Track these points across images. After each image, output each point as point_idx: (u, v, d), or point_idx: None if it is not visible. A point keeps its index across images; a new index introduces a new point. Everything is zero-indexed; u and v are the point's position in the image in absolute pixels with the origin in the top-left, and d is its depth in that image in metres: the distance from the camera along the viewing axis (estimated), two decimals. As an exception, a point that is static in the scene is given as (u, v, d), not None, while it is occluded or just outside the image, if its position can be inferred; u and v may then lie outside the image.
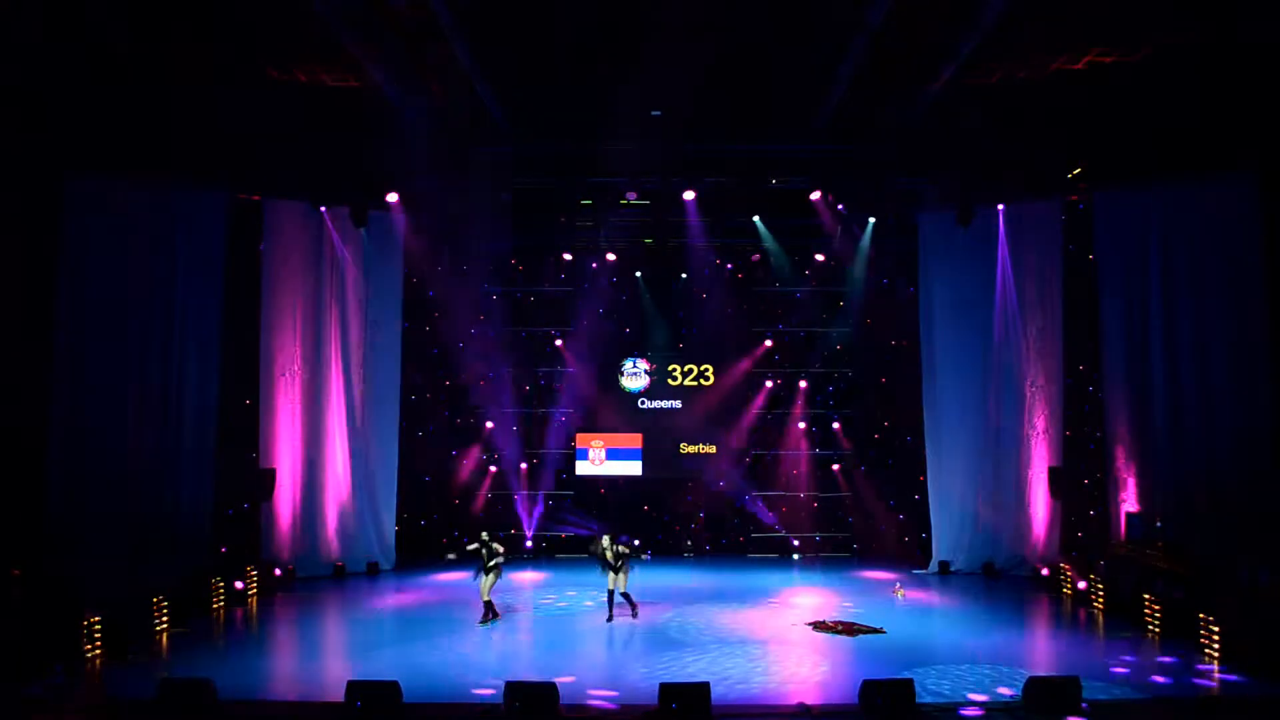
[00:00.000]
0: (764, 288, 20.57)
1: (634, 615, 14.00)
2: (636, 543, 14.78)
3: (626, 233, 19.61)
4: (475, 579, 13.88)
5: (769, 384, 20.55)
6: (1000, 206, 17.60)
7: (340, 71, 14.51)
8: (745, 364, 20.51)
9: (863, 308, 20.11)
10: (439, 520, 20.14)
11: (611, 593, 13.91)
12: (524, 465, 20.43)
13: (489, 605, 13.80)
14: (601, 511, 20.21)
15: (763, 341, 20.55)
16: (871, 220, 18.64)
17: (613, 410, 20.51)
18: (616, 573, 13.85)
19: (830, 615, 14.23)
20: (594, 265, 20.26)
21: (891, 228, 18.75)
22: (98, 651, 11.69)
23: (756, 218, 18.98)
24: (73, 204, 15.13)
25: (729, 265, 20.37)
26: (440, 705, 9.92)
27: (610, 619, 13.83)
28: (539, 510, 20.25)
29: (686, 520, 20.51)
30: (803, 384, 20.49)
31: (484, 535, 14.00)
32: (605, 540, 13.91)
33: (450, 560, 18.47)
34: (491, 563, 13.71)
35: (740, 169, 17.35)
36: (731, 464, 20.35)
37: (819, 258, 20.05)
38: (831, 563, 19.40)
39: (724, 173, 17.40)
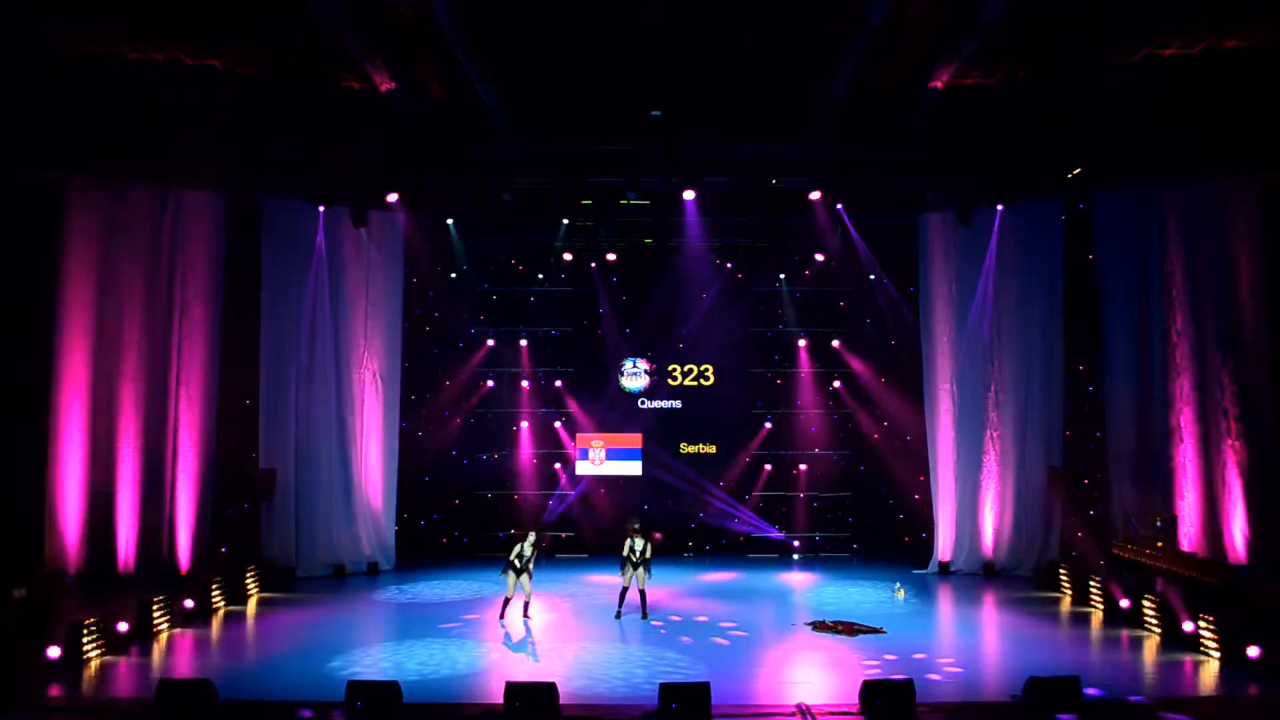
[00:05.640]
0: (764, 288, 20.57)
1: (643, 616, 14.05)
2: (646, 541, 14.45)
3: (626, 233, 19.61)
4: (502, 577, 13.77)
5: (767, 384, 20.52)
6: (1000, 207, 17.60)
7: (341, 71, 14.50)
8: (744, 365, 20.50)
9: (862, 308, 20.12)
10: (439, 520, 20.15)
11: (641, 593, 14.08)
12: (524, 465, 20.42)
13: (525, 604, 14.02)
14: (603, 511, 20.22)
15: (761, 342, 20.53)
16: (872, 220, 18.64)
17: (613, 410, 20.50)
18: (635, 569, 14.00)
19: (830, 615, 14.23)
20: (594, 265, 20.28)
21: (891, 228, 18.74)
22: (98, 651, 11.67)
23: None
24: (73, 204, 15.12)
25: (729, 265, 20.36)
26: (440, 705, 9.91)
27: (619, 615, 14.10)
28: (551, 507, 20.24)
29: (686, 520, 20.50)
30: (802, 384, 20.46)
31: (531, 536, 13.93)
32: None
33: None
34: (529, 564, 13.82)
35: (740, 169, 17.32)
36: (727, 490, 20.40)
37: (819, 258, 20.01)
38: (831, 562, 19.41)
39: (724, 173, 17.38)
